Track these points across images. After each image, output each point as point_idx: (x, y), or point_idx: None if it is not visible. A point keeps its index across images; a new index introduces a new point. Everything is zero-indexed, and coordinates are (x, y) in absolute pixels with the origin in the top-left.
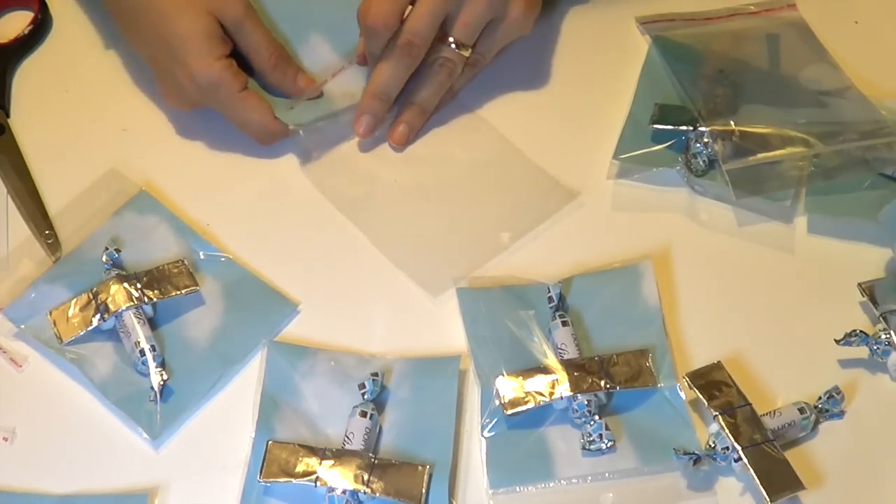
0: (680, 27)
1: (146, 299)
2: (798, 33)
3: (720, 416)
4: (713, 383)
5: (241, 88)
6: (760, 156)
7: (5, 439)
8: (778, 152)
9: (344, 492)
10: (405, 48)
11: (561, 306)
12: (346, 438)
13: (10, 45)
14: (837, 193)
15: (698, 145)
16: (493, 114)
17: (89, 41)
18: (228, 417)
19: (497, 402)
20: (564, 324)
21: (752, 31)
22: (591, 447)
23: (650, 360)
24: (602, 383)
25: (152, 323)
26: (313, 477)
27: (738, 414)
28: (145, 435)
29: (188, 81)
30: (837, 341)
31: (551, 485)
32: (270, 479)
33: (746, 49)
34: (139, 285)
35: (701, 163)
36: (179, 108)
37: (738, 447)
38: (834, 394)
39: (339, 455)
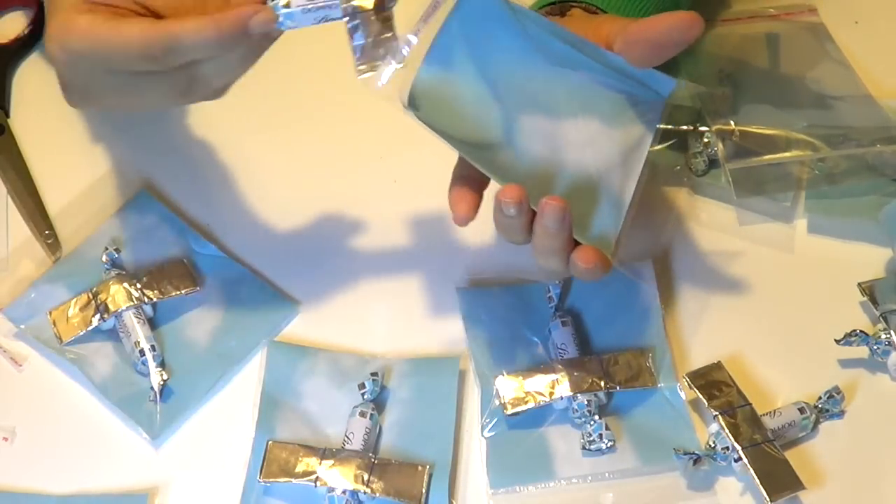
0: None
1: (146, 299)
2: (816, 37)
3: (720, 416)
4: (713, 383)
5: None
6: (766, 157)
7: (5, 439)
8: (784, 154)
9: (344, 492)
10: None
11: (561, 306)
12: (346, 438)
13: (10, 45)
14: (838, 194)
15: (698, 145)
16: None
17: None
18: (228, 417)
19: (497, 402)
20: (564, 324)
21: (765, 33)
22: (591, 447)
23: (650, 360)
24: (602, 383)
25: (152, 323)
26: (313, 477)
27: (738, 414)
28: (145, 435)
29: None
30: (837, 341)
31: (551, 485)
32: (270, 479)
33: (755, 50)
34: (139, 285)
35: (701, 163)
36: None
37: (738, 447)
38: (834, 394)
39: (339, 455)
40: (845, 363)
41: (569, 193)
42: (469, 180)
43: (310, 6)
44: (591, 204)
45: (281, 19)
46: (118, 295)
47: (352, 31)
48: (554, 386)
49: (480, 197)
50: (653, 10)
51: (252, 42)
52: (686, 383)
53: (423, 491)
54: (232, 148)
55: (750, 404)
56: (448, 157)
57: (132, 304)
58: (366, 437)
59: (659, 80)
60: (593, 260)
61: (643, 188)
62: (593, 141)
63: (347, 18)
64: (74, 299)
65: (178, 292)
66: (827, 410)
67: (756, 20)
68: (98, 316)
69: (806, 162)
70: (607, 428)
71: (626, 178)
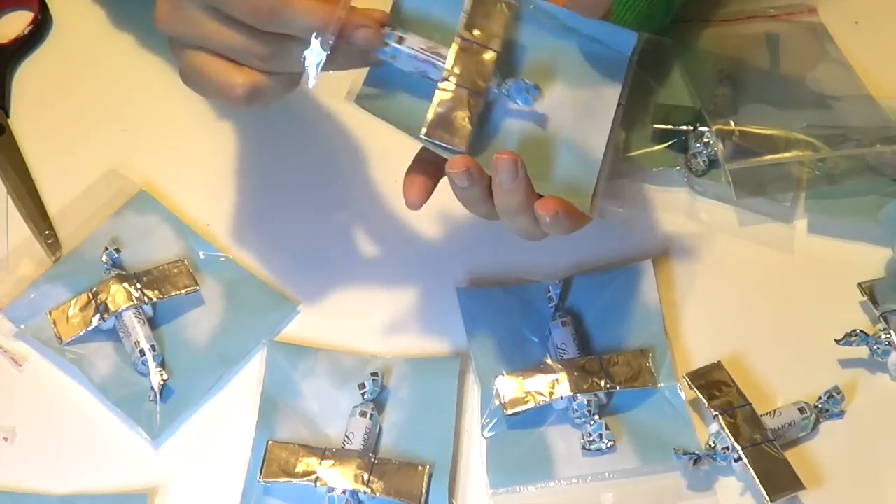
0: (697, 28)
1: (146, 299)
2: (816, 37)
3: (720, 416)
4: (713, 383)
5: None
6: (766, 157)
7: (5, 439)
8: (784, 154)
9: (344, 492)
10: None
11: (561, 306)
12: (346, 438)
13: (10, 45)
14: (838, 194)
15: (698, 145)
16: None
17: (89, 41)
18: (228, 417)
19: (497, 402)
20: (564, 324)
21: (765, 33)
22: (591, 447)
23: (650, 360)
24: (602, 383)
25: (152, 323)
26: (313, 477)
27: (738, 414)
28: (145, 435)
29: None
30: (837, 341)
31: (551, 485)
32: (270, 479)
33: (755, 50)
34: (139, 285)
35: (701, 163)
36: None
37: (738, 447)
38: (834, 394)
39: (339, 455)
40: (845, 363)
41: (525, 152)
42: (424, 164)
43: (419, 54)
44: (553, 159)
45: (387, 48)
46: (118, 295)
47: (439, 93)
48: (554, 386)
49: (435, 181)
50: (643, 5)
51: (345, 50)
52: (686, 383)
53: (423, 491)
54: (232, 148)
55: (750, 404)
56: None
57: (132, 304)
58: (366, 437)
59: (619, 35)
60: (553, 208)
61: (641, 187)
62: (552, 101)
63: (442, 82)
64: (74, 299)
65: (178, 292)
66: (827, 410)
67: (756, 20)
68: (98, 316)
69: (806, 162)
70: (607, 428)
71: (593, 133)
